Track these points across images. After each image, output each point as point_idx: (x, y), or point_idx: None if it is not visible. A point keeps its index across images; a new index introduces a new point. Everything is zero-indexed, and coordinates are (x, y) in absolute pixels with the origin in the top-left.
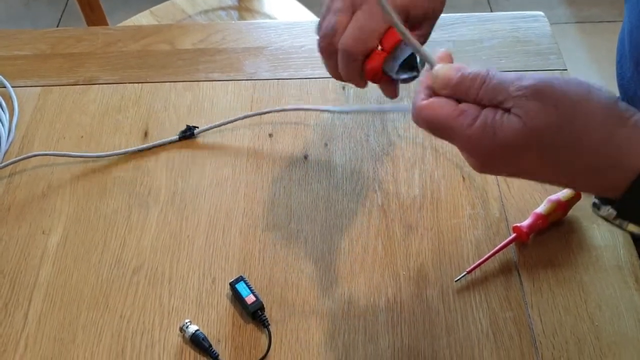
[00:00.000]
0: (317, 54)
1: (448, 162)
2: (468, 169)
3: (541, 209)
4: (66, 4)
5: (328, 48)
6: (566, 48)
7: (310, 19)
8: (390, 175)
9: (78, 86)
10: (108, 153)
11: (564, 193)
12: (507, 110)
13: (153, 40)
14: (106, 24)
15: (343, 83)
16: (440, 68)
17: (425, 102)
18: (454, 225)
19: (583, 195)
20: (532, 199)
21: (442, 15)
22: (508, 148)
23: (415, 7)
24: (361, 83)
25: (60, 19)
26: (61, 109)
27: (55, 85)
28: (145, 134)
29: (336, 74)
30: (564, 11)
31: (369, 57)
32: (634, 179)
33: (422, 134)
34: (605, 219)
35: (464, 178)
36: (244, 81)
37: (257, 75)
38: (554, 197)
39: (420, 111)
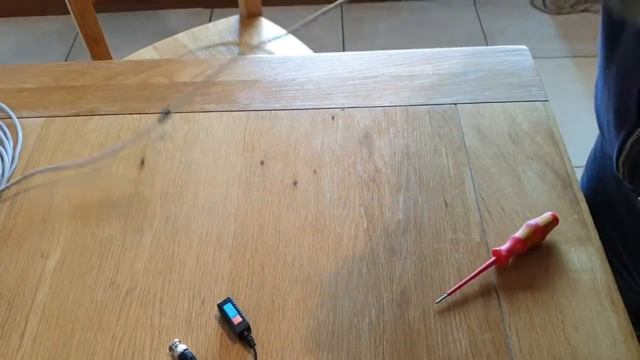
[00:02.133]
0: (308, 87)
1: (432, 188)
2: (450, 194)
3: (520, 233)
4: (74, 39)
5: None
6: (562, 81)
7: (305, 54)
8: (376, 200)
9: (79, 117)
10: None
11: (542, 218)
12: None
13: (152, 74)
14: (110, 58)
15: (333, 113)
16: None
17: None
18: (436, 249)
19: (560, 220)
20: (512, 224)
21: (428, 49)
22: None
23: None
24: None
25: (68, 53)
26: (62, 138)
27: (58, 116)
28: (142, 163)
29: None
30: (560, 45)
31: None
32: None
33: (406, 161)
34: None
35: (446, 204)
36: (238, 112)
37: (251, 106)
38: (532, 222)
39: None
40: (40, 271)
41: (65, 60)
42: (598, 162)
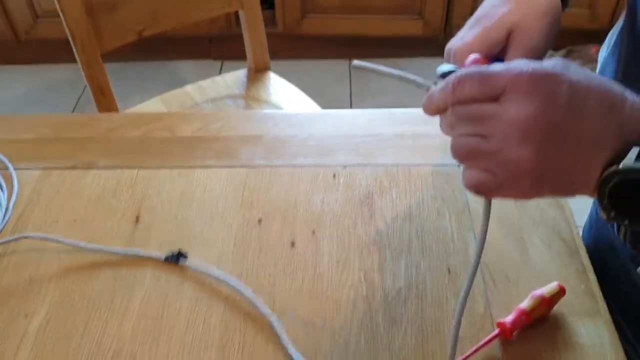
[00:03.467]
0: (310, 143)
1: (435, 253)
2: (454, 260)
3: (525, 304)
4: (84, 87)
5: None
6: None
7: (312, 108)
8: (376, 264)
9: (76, 170)
10: (96, 247)
11: (548, 288)
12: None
13: (154, 127)
14: (116, 109)
15: (334, 171)
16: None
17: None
18: (438, 319)
19: (567, 291)
20: (517, 294)
21: None
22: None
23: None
24: None
25: (77, 101)
26: (58, 192)
27: (55, 169)
28: (137, 219)
29: None
30: None
31: None
32: None
33: (408, 223)
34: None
35: (449, 271)
36: (238, 168)
37: (252, 162)
38: (537, 292)
39: (462, 74)
40: (22, 332)
41: (74, 108)
42: (594, 231)
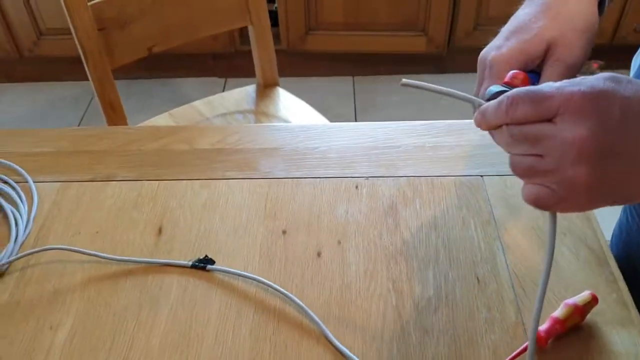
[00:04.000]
0: (330, 155)
1: (462, 263)
2: (482, 270)
3: (558, 312)
4: (89, 104)
5: None
6: None
7: (322, 123)
8: (404, 274)
9: (96, 182)
10: (121, 258)
11: (580, 297)
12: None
13: (171, 140)
14: (126, 124)
15: (356, 182)
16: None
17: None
18: (470, 329)
19: (599, 300)
20: (548, 303)
21: (451, 121)
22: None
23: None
24: None
25: (82, 118)
26: (78, 204)
27: (74, 181)
28: (160, 231)
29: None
30: None
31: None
32: None
33: (434, 233)
34: None
35: (478, 280)
36: (259, 179)
37: (272, 174)
38: (570, 301)
39: (515, 94)
40: (48, 345)
41: (79, 125)
42: (624, 237)
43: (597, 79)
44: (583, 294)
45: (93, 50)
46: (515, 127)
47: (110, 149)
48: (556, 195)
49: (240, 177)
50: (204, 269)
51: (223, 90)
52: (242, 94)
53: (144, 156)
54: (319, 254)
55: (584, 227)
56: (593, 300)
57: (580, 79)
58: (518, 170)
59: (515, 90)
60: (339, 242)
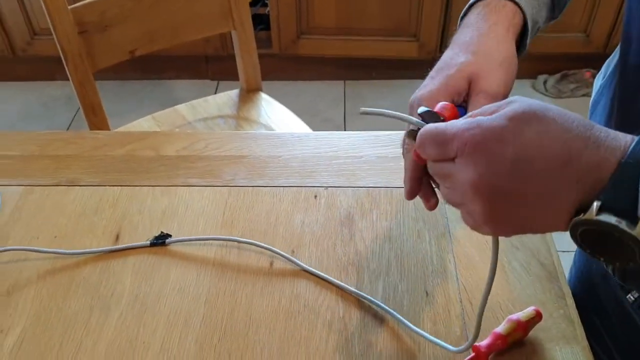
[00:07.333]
0: (292, 164)
1: (413, 275)
2: (432, 283)
3: (501, 328)
4: None
5: None
6: None
7: (302, 129)
8: (353, 286)
9: (59, 187)
10: (77, 251)
11: (524, 313)
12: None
13: (138, 146)
14: (108, 129)
15: (316, 191)
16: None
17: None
18: (415, 342)
19: (544, 315)
20: (494, 318)
21: None
22: (513, 120)
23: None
24: None
25: (73, 118)
26: (40, 208)
27: (38, 186)
28: (117, 237)
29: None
30: None
31: None
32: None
33: (388, 245)
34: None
35: (427, 293)
36: (220, 187)
37: (234, 182)
38: (514, 316)
39: (421, 136)
40: None
41: (70, 125)
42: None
43: (501, 118)
44: (527, 309)
45: (74, 53)
46: (430, 162)
47: (77, 153)
48: (472, 221)
49: (202, 184)
50: (163, 244)
51: (215, 93)
52: (225, 98)
53: (109, 162)
54: (271, 264)
55: (538, 241)
56: (537, 316)
57: (488, 117)
58: (443, 197)
59: (422, 130)
60: (293, 252)
